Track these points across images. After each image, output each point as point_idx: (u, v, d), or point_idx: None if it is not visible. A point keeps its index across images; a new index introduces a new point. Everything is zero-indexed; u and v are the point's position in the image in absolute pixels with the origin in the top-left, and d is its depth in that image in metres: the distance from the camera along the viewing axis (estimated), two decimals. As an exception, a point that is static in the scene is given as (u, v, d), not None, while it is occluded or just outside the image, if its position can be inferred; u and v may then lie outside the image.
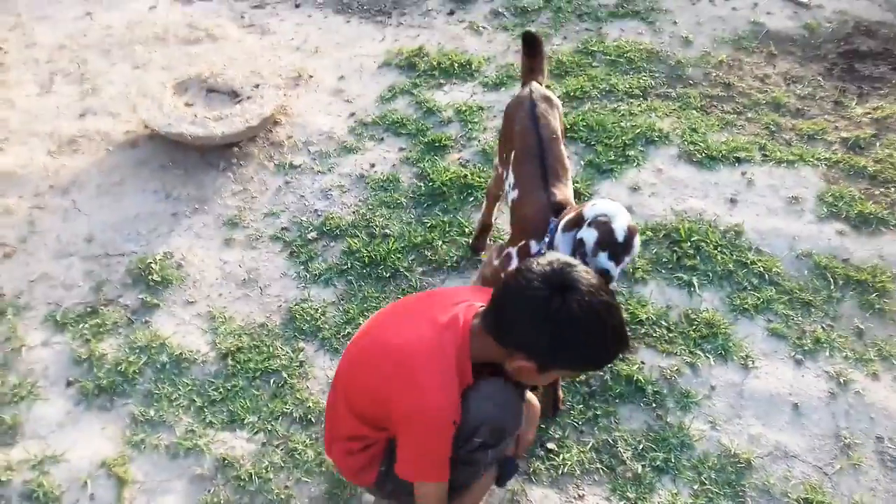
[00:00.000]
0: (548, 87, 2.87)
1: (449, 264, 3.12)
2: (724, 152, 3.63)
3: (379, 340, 1.99)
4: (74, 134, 3.68)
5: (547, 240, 2.35)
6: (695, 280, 3.07)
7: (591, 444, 2.57)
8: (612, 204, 2.20)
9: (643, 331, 2.90)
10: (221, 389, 2.69)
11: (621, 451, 2.55)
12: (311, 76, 4.08)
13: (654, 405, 2.68)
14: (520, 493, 2.44)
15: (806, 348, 2.85)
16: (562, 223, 2.28)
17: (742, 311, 2.98)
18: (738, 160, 3.60)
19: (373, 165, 3.58)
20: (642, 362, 2.80)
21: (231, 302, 3.00)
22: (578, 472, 2.50)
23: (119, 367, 2.75)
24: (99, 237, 3.23)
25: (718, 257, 3.15)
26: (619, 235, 2.13)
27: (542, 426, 2.60)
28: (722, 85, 4.04)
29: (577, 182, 3.44)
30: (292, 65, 4.14)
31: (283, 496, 2.40)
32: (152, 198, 3.41)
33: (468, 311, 1.95)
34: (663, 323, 2.93)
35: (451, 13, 4.59)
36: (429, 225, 3.27)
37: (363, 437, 2.04)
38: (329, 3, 4.65)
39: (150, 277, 3.05)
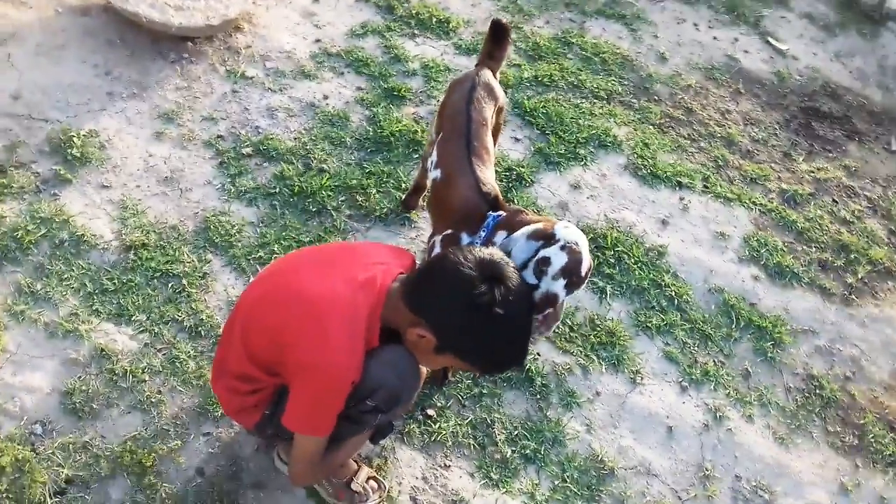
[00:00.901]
0: (502, 81, 2.88)
1: (378, 214, 3.12)
2: (668, 173, 3.71)
3: (293, 285, 1.97)
4: (25, -16, 3.51)
5: (483, 234, 2.29)
6: (608, 288, 3.16)
7: (469, 420, 2.63)
8: (580, 233, 2.15)
9: (547, 324, 2.97)
10: (116, 281, 2.64)
11: (496, 432, 2.62)
12: (286, -9, 3.99)
13: (538, 397, 2.76)
14: (389, 450, 2.48)
15: (693, 377, 2.97)
16: (526, 231, 2.17)
17: (644, 328, 3.08)
18: (680, 185, 3.70)
19: (326, 97, 3.54)
20: (538, 354, 2.87)
21: (147, 196, 2.94)
22: (451, 442, 2.56)
23: (15, 234, 2.66)
24: (26, 97, 3.11)
25: (636, 272, 3.24)
26: (583, 269, 2.13)
27: (427, 392, 2.65)
28: (684, 108, 4.13)
29: (523, 167, 3.48)
30: (270, -26, 4.03)
31: (153, 400, 2.39)
32: (91, 71, 3.29)
33: (386, 275, 1.97)
34: (568, 322, 3.00)
35: (444, -33, 4.53)
36: (367, 171, 3.25)
37: (252, 380, 2.02)
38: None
39: (69, 151, 2.96)
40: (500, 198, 2.40)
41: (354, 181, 3.19)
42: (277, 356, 1.92)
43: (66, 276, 2.61)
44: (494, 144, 2.71)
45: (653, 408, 2.85)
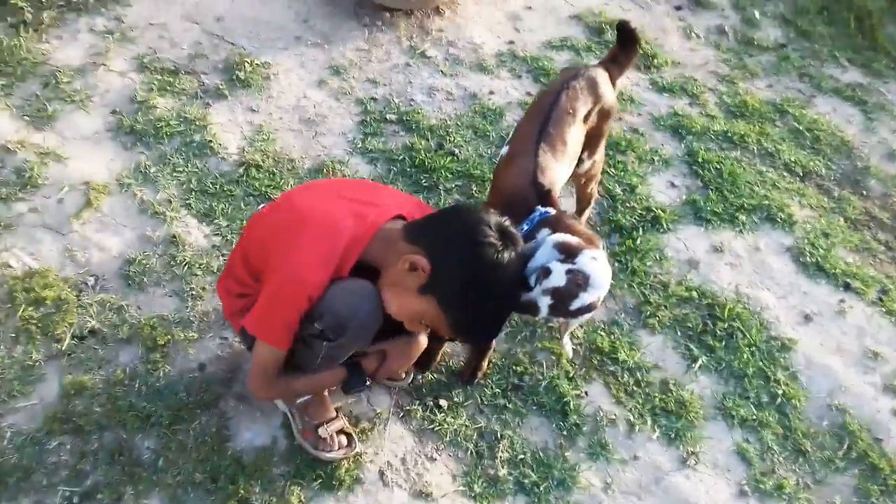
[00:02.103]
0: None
1: (485, 207, 3.11)
2: (839, 271, 3.28)
3: (294, 201, 2.06)
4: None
5: (525, 227, 2.20)
6: (703, 359, 2.86)
7: (479, 426, 2.51)
8: (601, 271, 2.02)
9: (612, 369, 2.76)
10: (218, 187, 2.89)
11: (501, 448, 2.48)
12: (501, -9, 4.12)
13: (565, 433, 2.57)
14: (383, 420, 2.45)
15: (762, 486, 2.59)
16: (559, 238, 2.09)
17: (727, 415, 2.74)
18: (848, 287, 3.25)
19: (491, 93, 3.59)
20: (586, 392, 2.68)
21: (284, 129, 3.18)
22: (448, 439, 2.46)
23: (158, 124, 3.02)
24: (227, 21, 3.52)
25: (745, 355, 2.90)
26: (575, 304, 2.01)
27: (448, 384, 2.58)
28: (893, 213, 3.62)
29: (663, 211, 3.27)
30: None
31: (194, 293, 2.58)
32: (291, 15, 3.64)
33: (382, 215, 1.99)
34: (638, 376, 2.76)
35: (678, 8, 4.41)
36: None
37: (243, 284, 2.12)
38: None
39: (237, 73, 3.30)
40: (555, 195, 2.29)
41: (478, 172, 3.20)
42: (262, 263, 2.00)
43: (179, 169, 2.91)
44: (592, 151, 2.60)
45: (694, 497, 2.53)
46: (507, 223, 1.93)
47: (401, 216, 2.04)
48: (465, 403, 2.56)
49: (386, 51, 3.63)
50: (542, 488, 2.42)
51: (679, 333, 2.93)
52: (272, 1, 3.67)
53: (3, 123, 2.89)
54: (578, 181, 2.85)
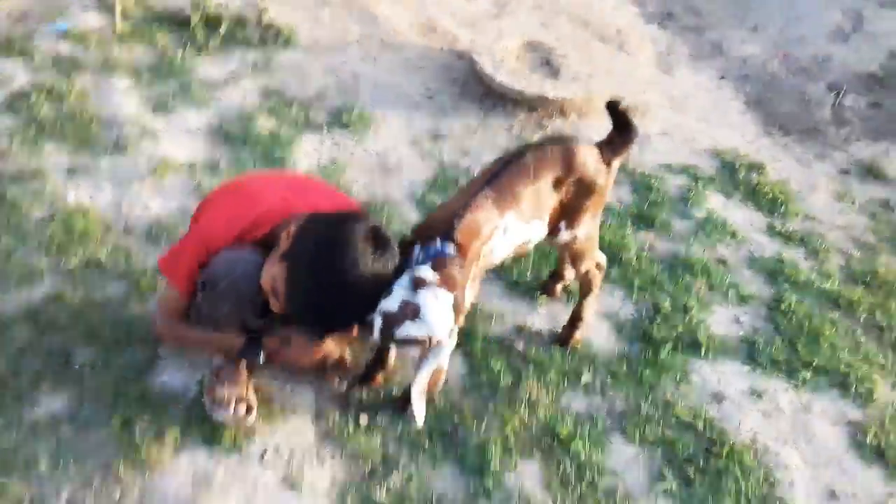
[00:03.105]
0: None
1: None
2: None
3: (245, 177, 2.54)
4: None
5: (418, 253, 2.20)
6: (673, 485, 2.55)
7: (388, 452, 2.45)
8: (437, 311, 2.03)
9: (558, 455, 2.56)
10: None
11: (396, 479, 2.39)
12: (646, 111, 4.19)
13: (471, 491, 2.41)
14: (294, 410, 2.51)
15: None
16: (418, 271, 2.09)
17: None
18: (909, 481, 2.73)
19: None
20: (516, 464, 2.51)
21: (357, 165, 3.52)
22: (349, 450, 2.44)
23: (251, 134, 3.52)
24: (361, 79, 4.05)
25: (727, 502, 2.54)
26: (397, 333, 2.05)
27: (379, 407, 2.58)
28: None
29: (710, 339, 3.03)
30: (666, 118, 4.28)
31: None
32: (420, 89, 4.08)
33: (308, 205, 2.21)
34: (586, 473, 2.52)
35: (845, 172, 4.17)
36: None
37: None
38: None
39: (344, 115, 3.77)
40: (464, 244, 2.22)
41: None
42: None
43: (246, 170, 3.33)
44: (571, 223, 2.55)
45: None
46: (384, 232, 2.10)
47: None
48: (386, 429, 2.53)
49: (492, 134, 3.86)
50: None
51: (660, 453, 2.65)
52: (409, 74, 4.11)
53: (131, 104, 3.57)
54: (563, 254, 2.85)
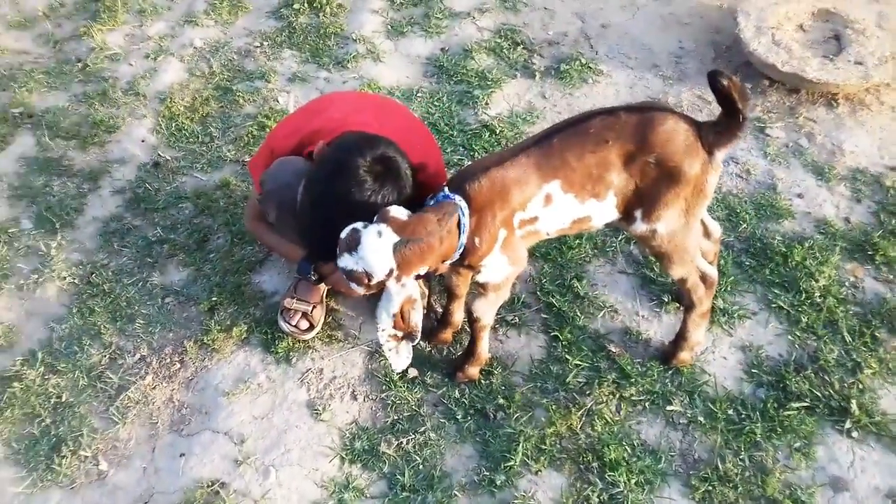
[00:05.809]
0: None
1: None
2: None
3: (339, 93, 2.73)
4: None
5: (429, 201, 2.14)
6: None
7: (417, 412, 2.48)
8: (373, 246, 1.95)
9: (593, 478, 2.36)
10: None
11: (411, 439, 2.42)
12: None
13: (480, 477, 2.35)
14: (354, 344, 2.64)
15: None
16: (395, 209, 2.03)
17: None
18: None
19: (799, 196, 3.11)
20: (538, 472, 2.37)
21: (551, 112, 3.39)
22: (383, 395, 2.51)
23: (455, 65, 3.56)
24: (609, 29, 3.80)
25: None
26: (339, 260, 2.02)
27: (435, 365, 2.59)
28: None
29: (869, 415, 2.48)
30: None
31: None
32: (671, 48, 3.73)
33: (366, 125, 2.26)
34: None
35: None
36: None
37: None
38: None
39: (564, 64, 3.60)
40: (477, 199, 2.09)
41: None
42: None
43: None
44: (648, 212, 2.18)
45: None
46: (396, 164, 2.07)
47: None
48: (428, 388, 2.55)
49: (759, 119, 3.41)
50: (401, 496, 2.32)
51: (716, 517, 2.29)
52: (666, 30, 3.76)
53: (373, 24, 3.84)
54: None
